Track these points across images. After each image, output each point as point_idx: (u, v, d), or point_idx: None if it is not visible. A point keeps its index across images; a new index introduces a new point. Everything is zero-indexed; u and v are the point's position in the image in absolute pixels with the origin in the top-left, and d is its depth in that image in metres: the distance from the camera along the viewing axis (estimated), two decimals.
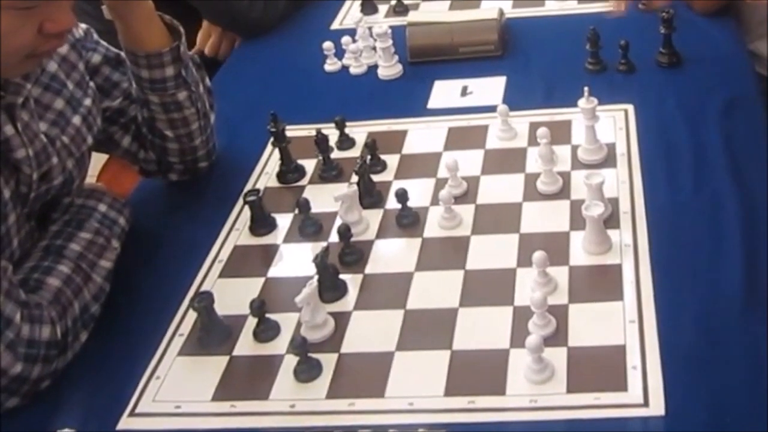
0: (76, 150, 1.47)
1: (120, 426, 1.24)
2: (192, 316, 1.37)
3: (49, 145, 1.40)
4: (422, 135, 1.74)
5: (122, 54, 1.57)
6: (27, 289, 1.31)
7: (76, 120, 1.48)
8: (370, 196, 1.56)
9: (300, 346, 1.25)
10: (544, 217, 1.47)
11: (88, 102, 1.51)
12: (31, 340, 1.26)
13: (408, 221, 1.50)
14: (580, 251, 1.38)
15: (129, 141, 1.64)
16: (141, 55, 1.53)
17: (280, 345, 1.31)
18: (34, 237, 1.42)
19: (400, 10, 2.22)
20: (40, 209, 1.44)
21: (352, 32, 2.06)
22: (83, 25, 1.58)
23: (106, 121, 1.59)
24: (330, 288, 1.37)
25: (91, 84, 1.55)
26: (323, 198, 1.57)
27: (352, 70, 2.01)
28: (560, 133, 1.64)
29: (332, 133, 1.71)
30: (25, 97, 1.36)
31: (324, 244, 1.45)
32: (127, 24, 1.52)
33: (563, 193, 1.51)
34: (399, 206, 1.51)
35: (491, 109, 1.72)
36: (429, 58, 1.97)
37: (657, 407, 1.13)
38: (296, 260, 1.48)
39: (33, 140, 1.37)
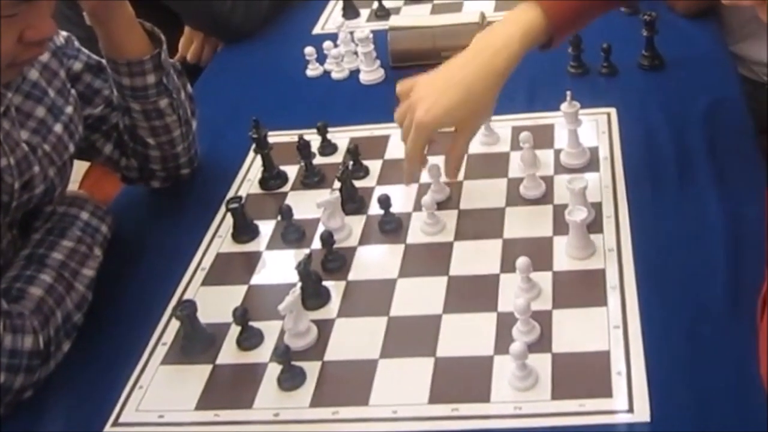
0: (57, 158, 1.46)
1: None
2: (175, 324, 1.37)
3: (31, 153, 1.40)
4: None
5: (104, 61, 1.56)
6: (9, 299, 1.30)
7: (58, 128, 1.47)
8: (353, 202, 1.56)
9: (283, 354, 1.24)
10: (527, 222, 1.47)
11: (69, 110, 1.50)
12: (14, 351, 1.25)
13: (391, 227, 1.50)
14: (564, 256, 1.38)
15: (111, 148, 1.63)
16: (122, 62, 1.52)
17: (263, 353, 1.31)
18: (16, 246, 1.41)
19: (382, 14, 2.22)
20: (21, 218, 1.43)
21: (333, 37, 2.06)
22: (64, 33, 1.57)
23: (87, 128, 1.58)
24: (313, 295, 1.37)
25: (73, 91, 1.54)
26: (306, 204, 1.56)
27: (334, 75, 2.01)
28: (543, 137, 1.63)
29: (314, 139, 1.71)
30: (6, 106, 1.36)
31: (307, 251, 1.45)
32: (107, 31, 1.51)
33: (546, 197, 1.51)
34: (382, 212, 1.50)
35: None
36: (411, 63, 1.95)
37: (642, 413, 1.13)
38: (279, 267, 1.47)
39: (14, 149, 1.36)
